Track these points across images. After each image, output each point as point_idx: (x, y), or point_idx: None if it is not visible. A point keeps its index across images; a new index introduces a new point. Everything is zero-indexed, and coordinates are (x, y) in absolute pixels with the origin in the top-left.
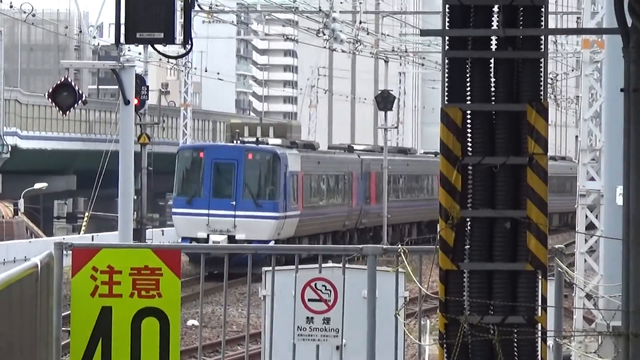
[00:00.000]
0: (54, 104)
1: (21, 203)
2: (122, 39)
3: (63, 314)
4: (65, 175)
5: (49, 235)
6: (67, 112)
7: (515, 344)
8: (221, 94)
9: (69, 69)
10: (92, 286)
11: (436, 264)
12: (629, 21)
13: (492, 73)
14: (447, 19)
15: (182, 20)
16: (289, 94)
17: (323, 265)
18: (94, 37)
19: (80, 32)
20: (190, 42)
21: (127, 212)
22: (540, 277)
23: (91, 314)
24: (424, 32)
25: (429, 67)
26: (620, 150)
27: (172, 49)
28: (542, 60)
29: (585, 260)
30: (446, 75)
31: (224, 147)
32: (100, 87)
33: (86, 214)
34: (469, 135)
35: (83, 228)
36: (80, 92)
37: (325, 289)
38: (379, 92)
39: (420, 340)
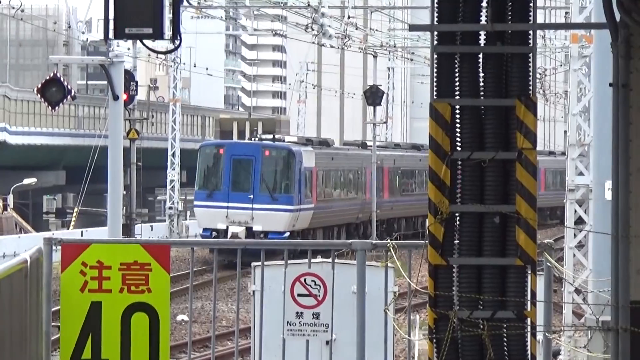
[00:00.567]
0: (42, 99)
1: (10, 198)
2: (111, 35)
3: (53, 309)
4: (54, 171)
5: (38, 230)
6: (56, 108)
7: (505, 339)
8: (210, 90)
9: (57, 64)
10: (81, 281)
11: (425, 258)
12: (618, 16)
13: (481, 68)
14: (435, 14)
15: (171, 15)
16: (277, 89)
17: (312, 260)
18: (83, 33)
19: (69, 27)
20: (179, 38)
21: (116, 207)
22: (529, 272)
23: (81, 309)
24: (412, 27)
25: (417, 62)
26: (609, 145)
27: (161, 45)
28: (530, 55)
29: (574, 255)
30: (435, 70)
31: (242, 144)
32: (89, 82)
33: (75, 209)
34: (458, 130)
35: (72, 223)
36: (69, 87)
37: (315, 284)
38: (368, 87)
39: (409, 335)
